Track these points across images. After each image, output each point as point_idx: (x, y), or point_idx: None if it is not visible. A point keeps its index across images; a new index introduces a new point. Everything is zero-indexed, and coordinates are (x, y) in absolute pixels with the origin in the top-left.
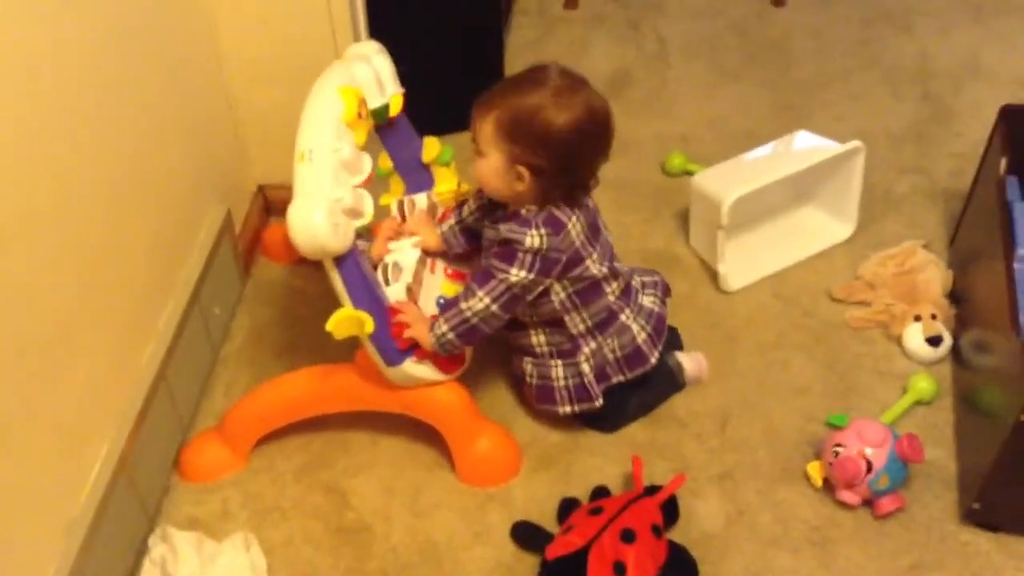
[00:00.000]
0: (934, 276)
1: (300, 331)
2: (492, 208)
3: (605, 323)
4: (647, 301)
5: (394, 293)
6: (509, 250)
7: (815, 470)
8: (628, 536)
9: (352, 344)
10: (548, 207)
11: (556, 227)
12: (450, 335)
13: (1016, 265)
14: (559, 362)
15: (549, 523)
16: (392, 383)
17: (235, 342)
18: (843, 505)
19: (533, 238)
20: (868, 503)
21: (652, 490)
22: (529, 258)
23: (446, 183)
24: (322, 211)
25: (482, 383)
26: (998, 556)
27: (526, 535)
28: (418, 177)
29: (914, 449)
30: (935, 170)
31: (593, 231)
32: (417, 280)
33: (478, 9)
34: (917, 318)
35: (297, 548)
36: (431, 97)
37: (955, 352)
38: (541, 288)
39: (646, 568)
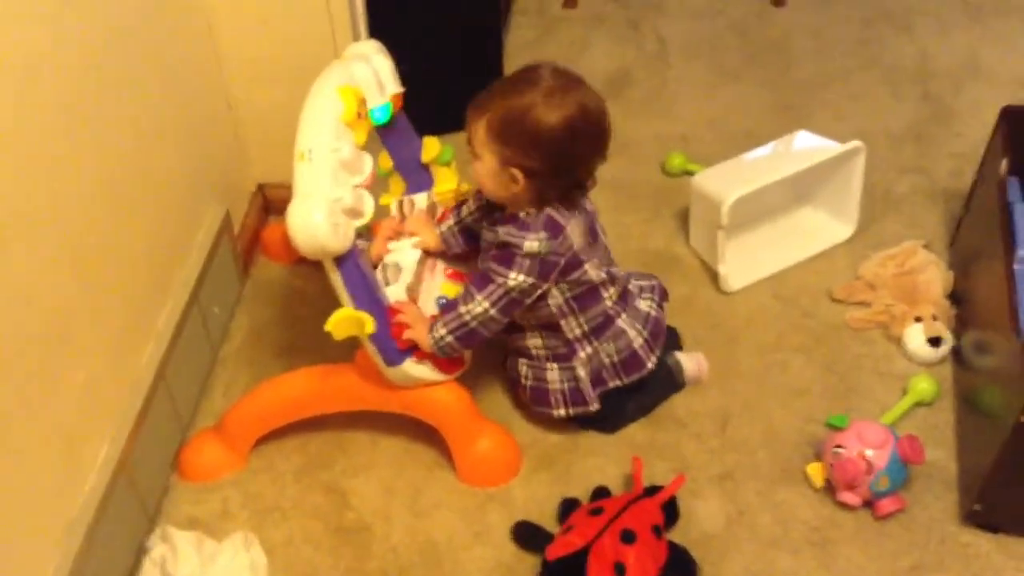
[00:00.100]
0: (935, 277)
1: (300, 331)
2: (491, 209)
3: (601, 328)
4: (644, 306)
5: (394, 293)
6: (507, 254)
7: (815, 471)
8: (628, 537)
9: (352, 344)
10: (546, 209)
11: (554, 230)
12: (449, 338)
13: (1016, 266)
14: (555, 365)
15: (549, 523)
16: (392, 383)
17: (234, 342)
18: (843, 506)
19: (532, 242)
20: (868, 504)
21: (652, 491)
22: (527, 262)
23: (446, 183)
24: (322, 211)
25: (482, 383)
26: (998, 557)
27: (526, 535)
28: (418, 177)
29: (914, 450)
30: (935, 170)
31: (591, 236)
32: (417, 280)
33: (477, 9)
34: (918, 319)
35: (297, 548)
36: (430, 97)
37: (956, 353)
38: (540, 292)
39: (646, 569)
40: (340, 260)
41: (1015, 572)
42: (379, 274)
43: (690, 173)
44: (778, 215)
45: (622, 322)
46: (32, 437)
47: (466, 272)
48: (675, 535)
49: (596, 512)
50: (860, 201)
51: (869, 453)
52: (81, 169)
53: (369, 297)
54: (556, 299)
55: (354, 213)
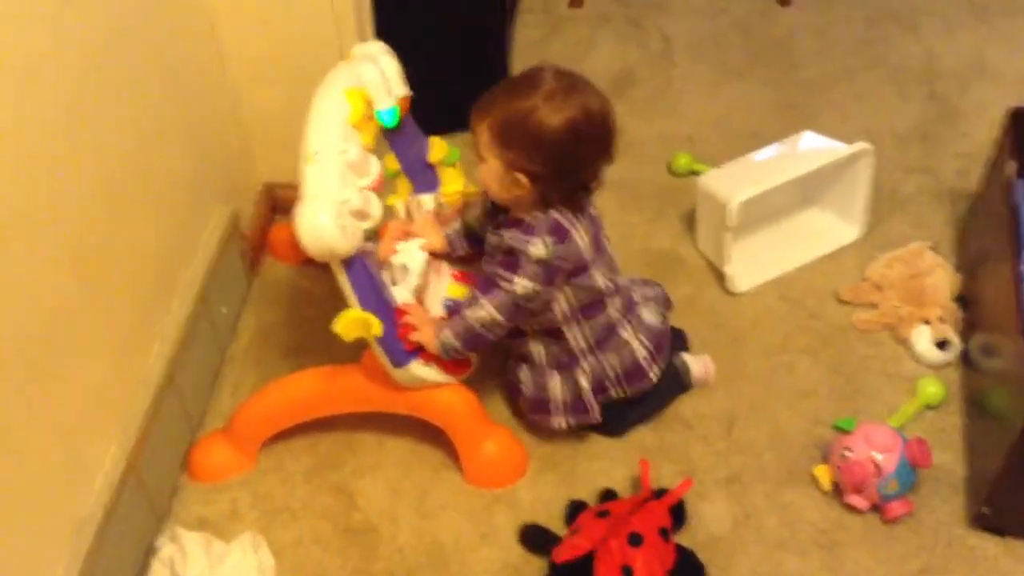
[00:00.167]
0: (942, 280)
1: (307, 331)
2: (496, 212)
3: (605, 339)
4: (648, 316)
5: (401, 294)
6: (513, 259)
7: (823, 473)
8: (635, 540)
9: (359, 345)
10: (551, 213)
11: (560, 235)
12: (455, 342)
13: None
14: (556, 373)
15: (556, 525)
16: (399, 384)
17: (242, 342)
18: (851, 509)
19: (538, 248)
20: (876, 507)
21: (660, 493)
22: (533, 267)
23: (453, 184)
24: (329, 213)
25: (488, 385)
26: (1006, 560)
27: (533, 538)
28: (424, 178)
29: (923, 453)
30: (941, 170)
31: (597, 245)
32: (424, 281)
33: (480, 9)
34: (925, 321)
35: (306, 549)
36: (432, 97)
37: (963, 356)
38: (547, 298)
39: (654, 572)
40: (347, 262)
41: None
42: (386, 275)
43: (696, 173)
44: (784, 216)
45: (626, 333)
46: (40, 438)
47: (472, 274)
48: (682, 538)
49: (603, 515)
50: (868, 204)
51: (877, 456)
52: (81, 169)
53: (376, 298)
54: (562, 305)
55: (361, 215)
